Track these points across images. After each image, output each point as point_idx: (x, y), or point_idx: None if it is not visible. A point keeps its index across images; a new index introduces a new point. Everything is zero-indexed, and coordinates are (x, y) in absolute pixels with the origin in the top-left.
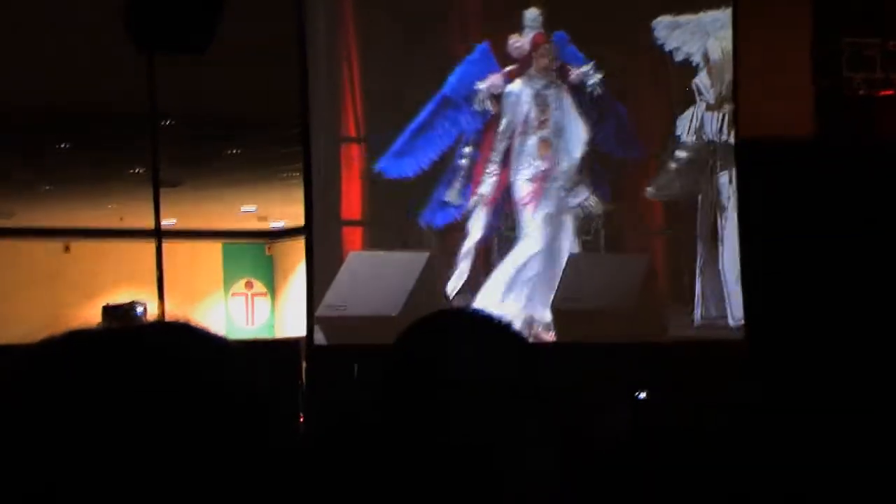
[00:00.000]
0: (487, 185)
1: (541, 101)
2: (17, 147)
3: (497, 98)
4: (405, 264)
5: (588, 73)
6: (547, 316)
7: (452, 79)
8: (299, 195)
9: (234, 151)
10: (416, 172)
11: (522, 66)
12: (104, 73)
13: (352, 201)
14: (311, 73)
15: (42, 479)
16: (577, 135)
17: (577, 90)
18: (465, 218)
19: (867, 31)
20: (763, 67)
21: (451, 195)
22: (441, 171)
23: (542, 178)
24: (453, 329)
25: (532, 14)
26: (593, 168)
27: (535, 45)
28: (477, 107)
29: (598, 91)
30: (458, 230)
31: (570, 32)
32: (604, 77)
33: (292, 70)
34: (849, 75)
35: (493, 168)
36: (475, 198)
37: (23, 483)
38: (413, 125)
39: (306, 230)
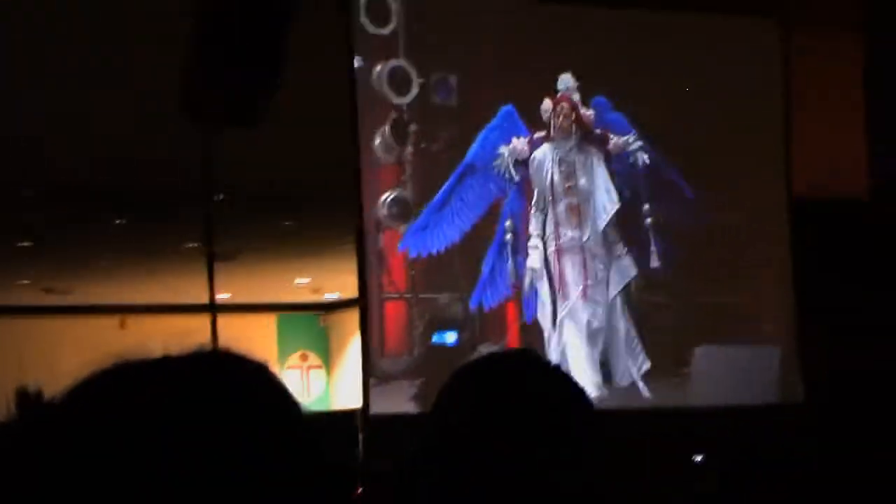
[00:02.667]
0: (534, 259)
1: (565, 167)
2: (75, 223)
3: (524, 166)
4: None
5: (629, 143)
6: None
7: (476, 145)
8: (353, 266)
9: (288, 223)
10: (445, 246)
11: (549, 129)
12: (159, 147)
13: (394, 276)
14: (362, 143)
15: None
16: (602, 205)
17: (618, 159)
18: (517, 295)
19: None
20: (816, 124)
21: (503, 272)
22: (478, 245)
23: (580, 250)
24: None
25: (565, 79)
26: (638, 238)
27: (554, 105)
28: (502, 173)
29: (645, 160)
30: (509, 309)
31: (613, 97)
32: (655, 145)
33: (346, 139)
34: None
35: (535, 241)
36: (528, 272)
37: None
38: (437, 197)
39: (360, 301)
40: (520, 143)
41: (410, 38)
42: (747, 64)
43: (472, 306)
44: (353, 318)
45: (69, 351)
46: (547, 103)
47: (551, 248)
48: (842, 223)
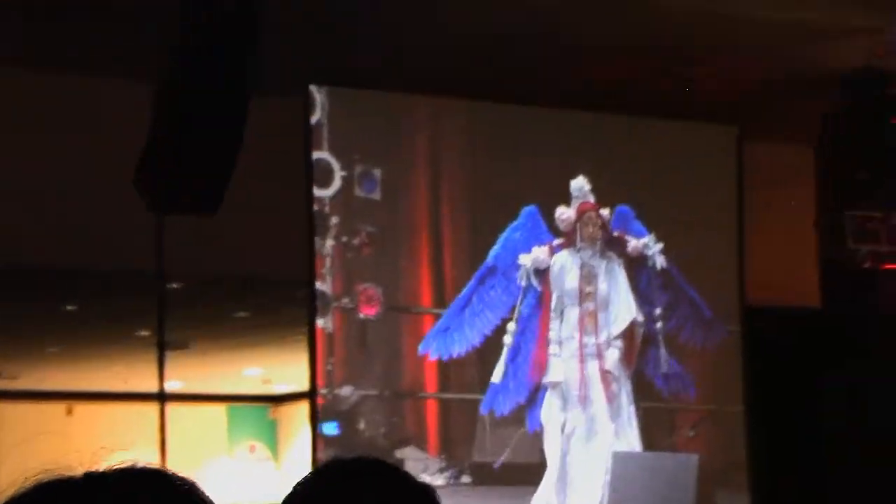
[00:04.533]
0: (556, 368)
1: (587, 272)
2: (25, 308)
3: (544, 273)
4: None
5: (648, 245)
6: None
7: (497, 245)
8: (303, 359)
9: (242, 315)
10: (467, 350)
11: (569, 237)
12: (112, 233)
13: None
14: (319, 231)
15: None
16: (620, 310)
17: (637, 264)
18: (531, 404)
19: (871, 205)
20: (769, 236)
21: (510, 380)
22: (494, 350)
23: (597, 357)
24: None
25: (578, 184)
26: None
27: (580, 213)
28: (521, 282)
29: (662, 264)
30: (521, 418)
31: (636, 207)
32: (670, 255)
33: (302, 230)
34: (854, 247)
35: (554, 347)
36: (546, 382)
37: None
38: (460, 298)
39: (310, 395)
40: (542, 253)
41: (334, 130)
42: (707, 169)
43: (483, 411)
44: (301, 410)
45: (15, 436)
46: (564, 210)
47: (569, 354)
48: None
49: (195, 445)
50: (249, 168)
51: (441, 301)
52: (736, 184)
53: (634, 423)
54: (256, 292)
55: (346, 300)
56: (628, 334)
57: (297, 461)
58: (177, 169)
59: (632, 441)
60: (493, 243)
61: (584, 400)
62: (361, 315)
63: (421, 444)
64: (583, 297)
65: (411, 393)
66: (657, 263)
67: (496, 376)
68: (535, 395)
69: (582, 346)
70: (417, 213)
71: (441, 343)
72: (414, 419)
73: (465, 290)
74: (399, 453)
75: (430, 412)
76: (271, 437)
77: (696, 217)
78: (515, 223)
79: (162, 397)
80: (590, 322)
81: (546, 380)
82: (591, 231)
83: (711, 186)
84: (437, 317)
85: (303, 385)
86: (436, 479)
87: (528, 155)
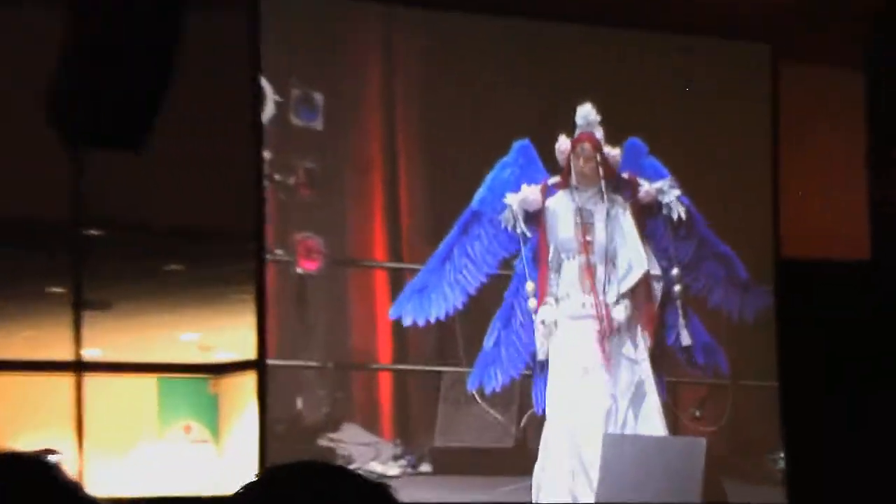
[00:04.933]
0: (546, 327)
1: (585, 219)
2: None
3: (537, 219)
4: None
5: (663, 191)
6: None
7: (483, 187)
8: (249, 323)
9: (175, 267)
10: (447, 314)
11: (566, 175)
12: (19, 174)
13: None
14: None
15: None
16: (628, 261)
17: (650, 211)
18: (527, 378)
19: None
20: (809, 176)
21: (510, 347)
22: (484, 312)
23: (596, 322)
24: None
25: (584, 112)
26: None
27: (573, 145)
28: (507, 227)
29: (681, 214)
30: (515, 395)
31: (651, 141)
32: (694, 200)
33: (247, 173)
34: None
35: (547, 310)
36: (539, 344)
37: None
38: (439, 251)
39: (258, 365)
40: (531, 192)
41: (268, 46)
42: (736, 97)
43: (471, 388)
44: (247, 382)
45: None
46: (563, 142)
47: (562, 318)
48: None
49: (119, 424)
50: (183, 95)
51: (397, 254)
52: (770, 115)
53: (655, 400)
54: (192, 242)
55: (279, 252)
56: (642, 291)
57: (241, 445)
58: (95, 97)
59: (655, 423)
60: (470, 185)
61: (585, 372)
62: (300, 270)
63: (372, 425)
64: (580, 247)
65: (361, 364)
66: (674, 212)
67: (487, 344)
68: (535, 367)
69: (572, 304)
70: (368, 147)
71: (417, 306)
72: (364, 395)
73: (445, 241)
74: (345, 436)
75: (384, 387)
76: (211, 415)
77: (722, 153)
78: (504, 159)
79: (79, 367)
80: (588, 279)
81: (540, 335)
82: (585, 167)
83: (741, 117)
84: (393, 273)
85: (249, 352)
86: (389, 468)
87: (521, 78)
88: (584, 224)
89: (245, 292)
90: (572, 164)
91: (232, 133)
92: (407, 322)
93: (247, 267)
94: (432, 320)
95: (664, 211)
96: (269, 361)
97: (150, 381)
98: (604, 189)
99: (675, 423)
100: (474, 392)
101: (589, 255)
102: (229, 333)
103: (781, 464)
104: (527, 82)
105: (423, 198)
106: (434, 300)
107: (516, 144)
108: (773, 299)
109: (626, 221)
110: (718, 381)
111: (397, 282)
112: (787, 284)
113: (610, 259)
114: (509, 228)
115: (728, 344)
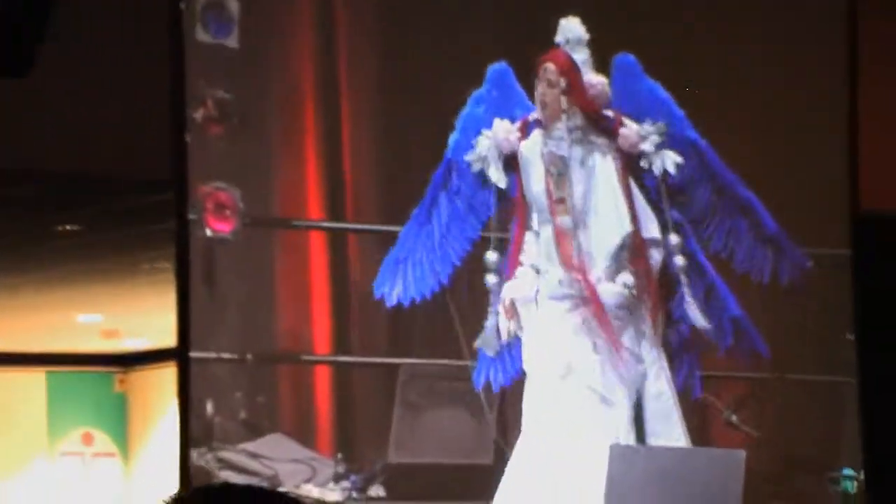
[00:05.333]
0: (514, 301)
1: (557, 168)
2: None
3: (514, 163)
4: None
5: (643, 135)
6: None
7: (456, 130)
8: (167, 299)
9: (69, 228)
10: (432, 291)
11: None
12: None
13: (306, 320)
14: (189, 102)
15: None
16: (605, 221)
17: (636, 161)
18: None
19: None
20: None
21: (486, 340)
22: (475, 288)
23: (580, 305)
24: None
25: (568, 26)
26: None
27: (537, 68)
28: (477, 176)
29: (668, 167)
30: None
31: (643, 56)
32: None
33: (163, 105)
34: None
35: (521, 279)
36: (502, 322)
37: None
38: (419, 210)
39: (179, 354)
40: (503, 129)
41: None
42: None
43: (478, 385)
44: (164, 377)
45: None
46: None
47: (544, 295)
48: None
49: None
50: (72, 10)
51: (338, 211)
52: (846, 55)
53: (669, 400)
54: (92, 195)
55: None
56: (634, 260)
57: (156, 460)
58: None
59: (673, 431)
60: (440, 124)
61: (568, 370)
62: (208, 232)
63: (305, 436)
64: (549, 206)
65: (290, 355)
66: (655, 165)
67: (488, 327)
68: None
69: (546, 280)
70: (299, 71)
71: (402, 280)
72: (294, 397)
73: (424, 198)
74: (269, 450)
75: (321, 385)
76: (117, 420)
77: (772, 91)
78: (478, 91)
79: None
80: (563, 244)
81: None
82: (546, 95)
83: (803, 38)
84: (333, 236)
85: (165, 339)
86: (329, 492)
87: None
88: (555, 175)
89: (161, 259)
90: (535, 93)
91: (133, 54)
92: (390, 302)
93: (162, 227)
94: (418, 299)
95: (643, 163)
96: (193, 353)
97: (36, 375)
98: (571, 126)
99: (703, 429)
100: (480, 392)
101: (559, 216)
102: (140, 315)
103: (849, 486)
104: None
105: (372, 138)
106: (417, 274)
107: (490, 70)
108: (848, 262)
109: (605, 171)
110: (760, 374)
111: (338, 247)
112: (866, 246)
113: (585, 222)
114: (481, 181)
115: (765, 323)
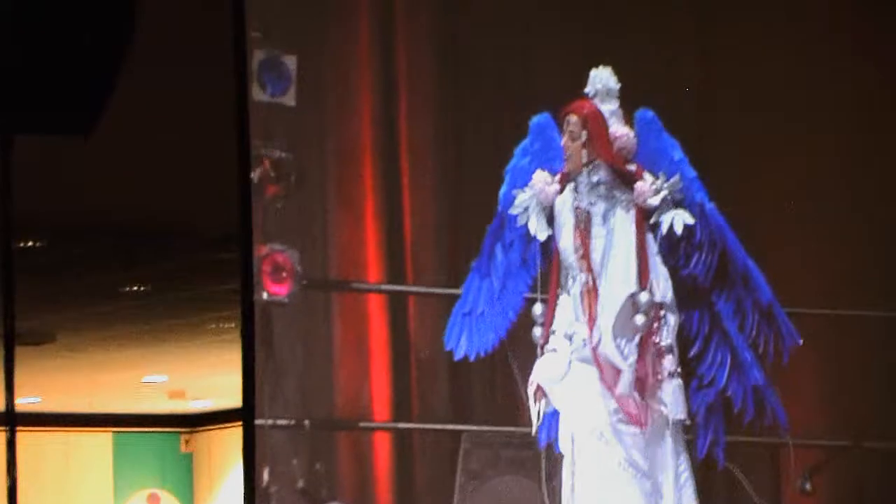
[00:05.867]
0: (548, 369)
1: (581, 221)
2: None
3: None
4: None
5: (657, 189)
6: None
7: (505, 182)
8: (233, 357)
9: (137, 289)
10: (493, 345)
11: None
12: None
13: (369, 385)
14: (257, 173)
15: None
16: (613, 279)
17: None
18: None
19: None
20: None
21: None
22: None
23: (598, 363)
24: None
25: (598, 76)
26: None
27: (561, 118)
28: (524, 230)
29: (676, 229)
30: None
31: (666, 114)
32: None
33: (232, 168)
34: None
35: (557, 341)
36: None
37: None
38: (479, 261)
39: (244, 414)
40: (543, 181)
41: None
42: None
43: (541, 443)
44: (231, 436)
45: None
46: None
47: (575, 357)
48: None
49: (62, 493)
50: (139, 67)
51: (399, 274)
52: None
53: (686, 477)
54: (158, 255)
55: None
56: (633, 325)
57: None
58: (29, 70)
59: None
60: (494, 178)
61: (600, 438)
62: (266, 295)
63: None
64: (578, 261)
65: (349, 422)
66: (663, 224)
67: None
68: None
69: (574, 341)
70: (357, 129)
71: (470, 334)
72: (353, 465)
73: (482, 250)
74: None
75: (381, 453)
76: (184, 480)
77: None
78: (523, 143)
79: (10, 418)
80: (588, 302)
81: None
82: (570, 147)
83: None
84: (393, 299)
85: (232, 400)
86: None
87: (542, 36)
88: (583, 229)
89: (226, 320)
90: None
91: (198, 113)
92: (459, 355)
93: (227, 288)
94: (482, 353)
95: (652, 219)
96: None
97: (103, 436)
98: (595, 179)
99: (778, 498)
100: (542, 451)
101: (583, 272)
102: (206, 375)
103: None
104: (559, 36)
105: (432, 198)
106: (481, 328)
107: (532, 122)
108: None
109: (625, 227)
110: (833, 441)
111: (398, 311)
112: None
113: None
114: (529, 232)
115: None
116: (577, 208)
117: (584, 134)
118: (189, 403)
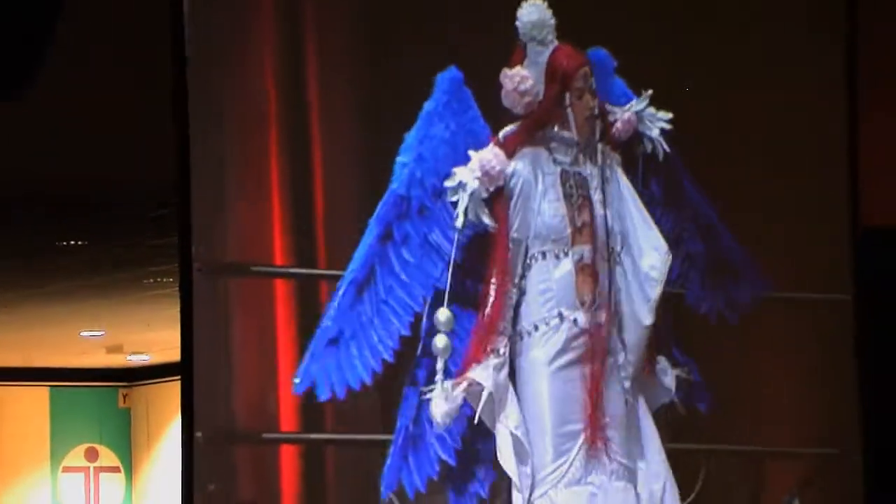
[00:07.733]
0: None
1: (576, 191)
2: None
3: (496, 200)
4: None
5: (644, 117)
6: None
7: (405, 156)
8: (172, 312)
9: (74, 243)
10: (372, 373)
11: (534, 123)
12: None
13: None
14: (193, 136)
15: None
16: (650, 263)
17: (628, 155)
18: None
19: None
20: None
21: (439, 409)
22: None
23: (593, 355)
24: None
25: (532, 18)
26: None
27: (566, 71)
28: (457, 222)
29: (659, 152)
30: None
31: (619, 52)
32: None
33: (168, 126)
34: None
35: (492, 359)
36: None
37: None
38: (354, 269)
39: (183, 369)
40: (493, 157)
41: None
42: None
43: (385, 491)
44: (169, 392)
45: None
46: (520, 74)
47: (536, 353)
48: None
49: (2, 448)
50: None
51: (308, 255)
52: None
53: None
54: (96, 210)
55: None
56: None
57: (161, 475)
58: None
59: None
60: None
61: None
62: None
63: None
64: (572, 236)
65: (250, 433)
66: (659, 150)
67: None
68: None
69: (569, 331)
70: (258, 88)
71: (327, 369)
72: (255, 483)
73: (361, 249)
74: None
75: (288, 469)
76: (122, 436)
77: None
78: (428, 106)
79: None
80: (586, 284)
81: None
82: (585, 110)
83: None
84: (302, 283)
85: (170, 354)
86: None
87: None
88: (580, 198)
89: (165, 274)
90: (570, 107)
91: (132, 72)
92: (322, 396)
93: (164, 243)
94: (356, 387)
95: (644, 148)
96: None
97: (39, 391)
98: (597, 144)
99: None
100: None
101: (587, 245)
102: (143, 330)
103: None
104: None
105: (349, 165)
106: (354, 355)
107: (439, 79)
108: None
109: (626, 189)
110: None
111: (309, 299)
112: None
113: (615, 251)
114: (458, 224)
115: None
116: (566, 179)
117: (589, 87)
118: (126, 358)
